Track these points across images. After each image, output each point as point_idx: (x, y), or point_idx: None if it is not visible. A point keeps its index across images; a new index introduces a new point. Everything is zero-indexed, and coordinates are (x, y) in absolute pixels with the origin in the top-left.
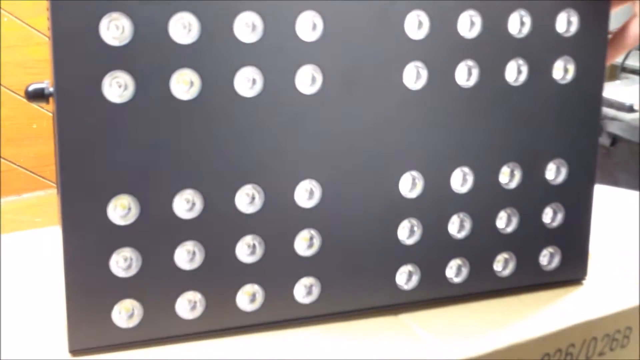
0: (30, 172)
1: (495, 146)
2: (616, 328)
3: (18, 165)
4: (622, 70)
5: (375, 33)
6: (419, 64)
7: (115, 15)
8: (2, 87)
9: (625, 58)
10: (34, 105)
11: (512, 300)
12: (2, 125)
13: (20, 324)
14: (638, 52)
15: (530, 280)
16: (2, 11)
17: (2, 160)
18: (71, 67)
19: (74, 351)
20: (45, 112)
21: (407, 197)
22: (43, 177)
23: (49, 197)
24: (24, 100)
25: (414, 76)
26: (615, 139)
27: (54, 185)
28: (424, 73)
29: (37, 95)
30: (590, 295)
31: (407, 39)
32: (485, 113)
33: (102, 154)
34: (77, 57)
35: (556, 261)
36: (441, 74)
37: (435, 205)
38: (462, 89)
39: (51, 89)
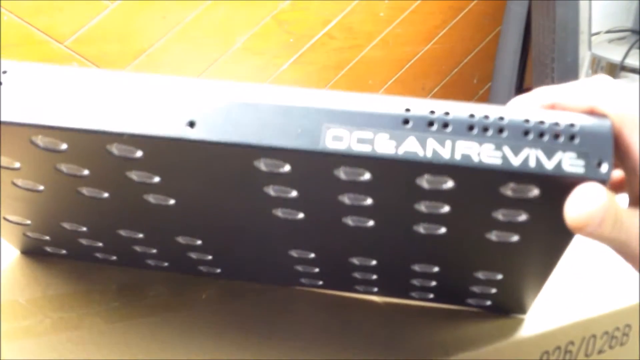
0: None
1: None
2: (615, 326)
3: None
4: (622, 69)
5: None
6: None
7: None
8: None
9: (625, 57)
10: None
11: None
12: None
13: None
14: (638, 50)
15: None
16: (2, 10)
17: None
18: None
19: None
20: None
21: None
22: None
23: None
24: None
25: None
26: None
27: None
28: None
29: None
30: (589, 293)
31: None
32: None
33: None
34: None
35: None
36: None
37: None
38: None
39: None
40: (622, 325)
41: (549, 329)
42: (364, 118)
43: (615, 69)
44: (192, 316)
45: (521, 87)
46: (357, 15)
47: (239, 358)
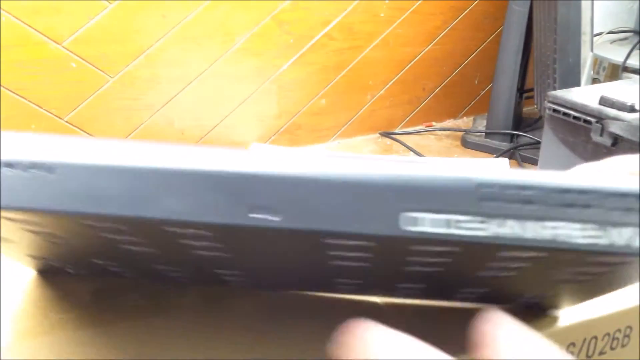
0: None
1: None
2: (616, 327)
3: None
4: (624, 70)
5: None
6: None
7: None
8: (1, 87)
9: (627, 58)
10: (32, 106)
11: None
12: (2, 125)
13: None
14: (639, 52)
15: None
16: (1, 11)
17: None
18: None
19: None
20: (45, 112)
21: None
22: None
23: None
24: (24, 100)
25: None
26: (616, 139)
27: None
28: None
29: None
30: None
31: None
32: None
33: None
34: None
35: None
36: None
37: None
38: None
39: None
40: (623, 327)
41: (550, 330)
42: (437, 198)
43: (617, 70)
44: (190, 317)
45: (523, 88)
46: (358, 16)
47: (237, 358)
